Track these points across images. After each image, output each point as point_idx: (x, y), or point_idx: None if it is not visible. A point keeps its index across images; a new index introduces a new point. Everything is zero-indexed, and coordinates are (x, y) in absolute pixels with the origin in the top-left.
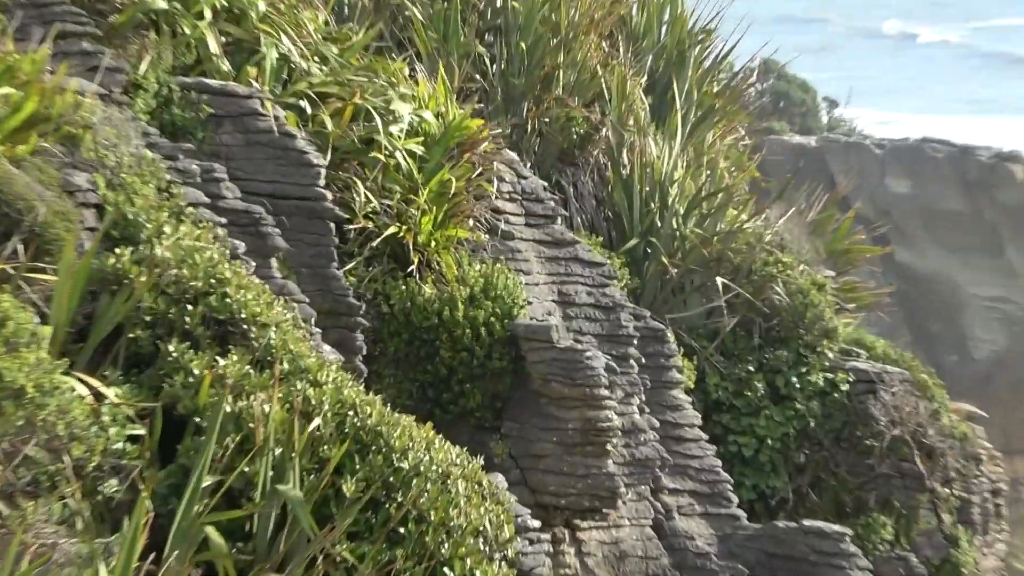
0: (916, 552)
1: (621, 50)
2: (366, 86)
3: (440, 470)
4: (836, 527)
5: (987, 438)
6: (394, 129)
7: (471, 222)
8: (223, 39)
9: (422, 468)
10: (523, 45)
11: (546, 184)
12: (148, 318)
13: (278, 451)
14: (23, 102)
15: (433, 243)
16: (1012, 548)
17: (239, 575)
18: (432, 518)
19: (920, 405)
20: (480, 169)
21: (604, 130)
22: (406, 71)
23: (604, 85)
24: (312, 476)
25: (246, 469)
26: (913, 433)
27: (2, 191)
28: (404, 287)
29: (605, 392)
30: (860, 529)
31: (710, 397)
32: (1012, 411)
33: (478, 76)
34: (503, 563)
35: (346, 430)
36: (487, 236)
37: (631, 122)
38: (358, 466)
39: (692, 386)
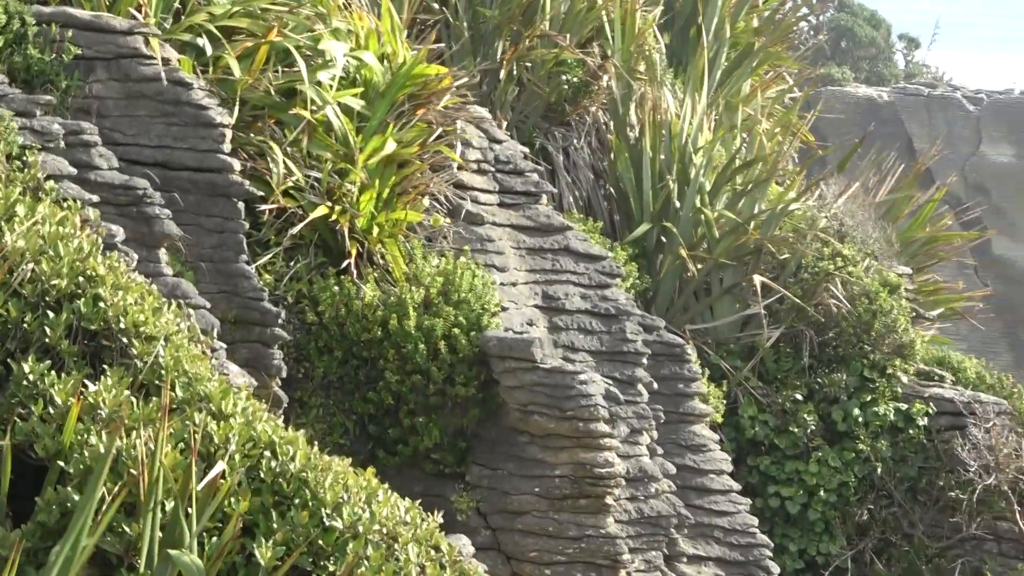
0: None
1: None
2: (286, 19)
3: (385, 531)
4: None
5: None
6: (323, 76)
7: (427, 201)
8: None
9: (361, 528)
10: None
11: (527, 151)
12: None
13: (169, 505)
14: None
15: (376, 229)
16: None
17: None
18: None
19: (1023, 446)
20: (439, 130)
21: (605, 78)
22: None
23: (606, 17)
24: (214, 538)
25: (126, 529)
26: (1013, 483)
27: None
28: (337, 288)
29: (604, 427)
30: None
31: (744, 435)
32: None
33: (437, 5)
34: None
35: (260, 478)
36: (448, 220)
37: (641, 68)
38: (276, 525)
39: (721, 420)
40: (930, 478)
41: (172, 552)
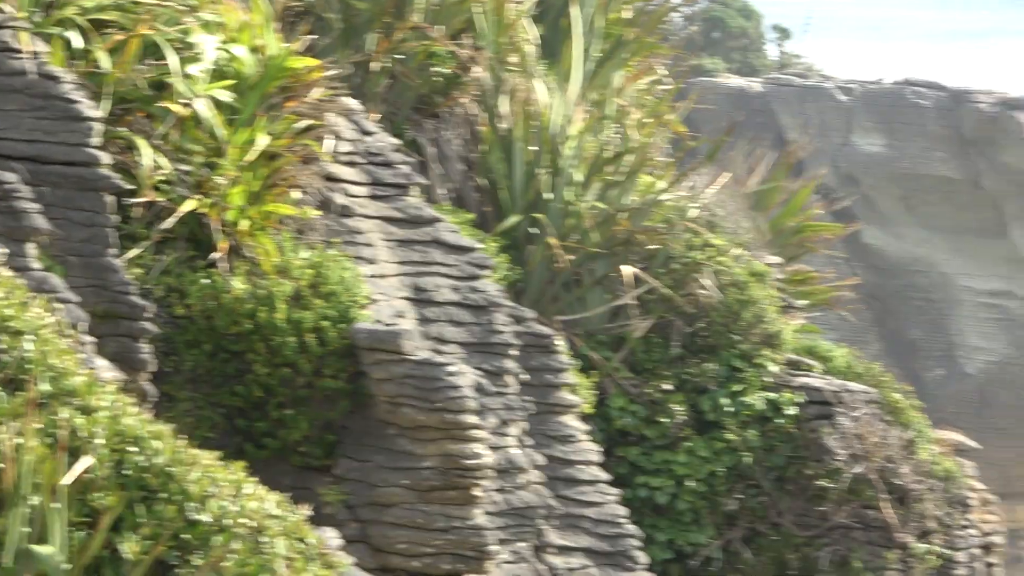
0: None
1: None
2: (156, 12)
3: (252, 524)
4: None
5: (979, 478)
6: (194, 69)
7: (297, 194)
8: None
9: (227, 521)
10: None
11: (398, 143)
12: None
13: (35, 500)
14: None
15: (245, 223)
16: None
17: None
18: None
19: (891, 434)
20: (310, 123)
21: (477, 70)
22: None
23: (477, 9)
24: (80, 533)
25: None
26: (881, 471)
27: None
28: (206, 281)
29: (473, 419)
30: None
31: (613, 425)
32: (1015, 442)
33: None
34: None
35: (126, 472)
36: (318, 212)
37: (513, 59)
38: (142, 519)
39: (590, 410)
40: (799, 467)
41: (35, 547)
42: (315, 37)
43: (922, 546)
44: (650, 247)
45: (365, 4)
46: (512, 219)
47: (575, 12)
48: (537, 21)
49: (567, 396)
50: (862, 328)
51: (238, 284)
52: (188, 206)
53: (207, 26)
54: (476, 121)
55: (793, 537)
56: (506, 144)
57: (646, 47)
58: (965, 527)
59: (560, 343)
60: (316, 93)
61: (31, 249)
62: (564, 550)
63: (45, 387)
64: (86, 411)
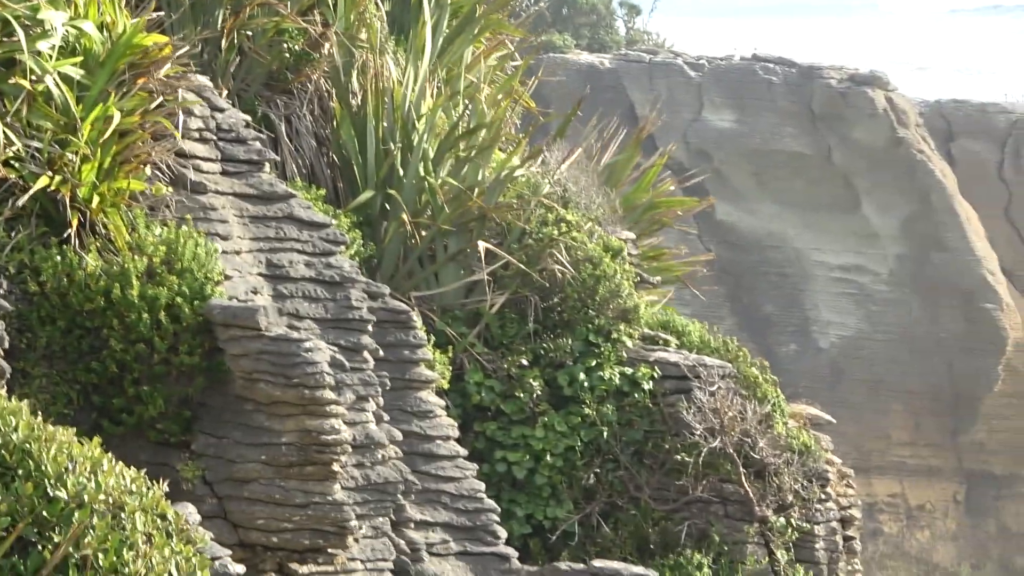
0: None
1: None
2: None
3: (110, 500)
4: (637, 569)
5: (836, 451)
6: (43, 46)
7: (149, 170)
8: None
9: (86, 498)
10: None
11: (250, 119)
12: None
13: None
14: None
15: (98, 199)
16: None
17: None
18: (101, 563)
19: (748, 408)
20: (160, 99)
21: (327, 46)
22: None
23: None
24: None
25: None
26: (738, 445)
27: None
28: (59, 258)
29: (330, 395)
30: (668, 572)
31: (471, 401)
32: (868, 416)
33: None
34: None
35: None
36: (170, 189)
37: (363, 35)
38: (0, 496)
39: (447, 386)
40: (656, 441)
41: None
42: (163, 14)
43: (780, 520)
44: (504, 223)
45: None
46: (365, 195)
47: None
48: None
49: (424, 371)
50: (716, 303)
51: (91, 260)
52: (40, 183)
53: (55, 3)
54: (328, 97)
55: (652, 511)
56: (358, 121)
57: (495, 23)
58: (823, 500)
59: (416, 319)
60: (165, 70)
61: None
62: (423, 525)
63: None
64: None
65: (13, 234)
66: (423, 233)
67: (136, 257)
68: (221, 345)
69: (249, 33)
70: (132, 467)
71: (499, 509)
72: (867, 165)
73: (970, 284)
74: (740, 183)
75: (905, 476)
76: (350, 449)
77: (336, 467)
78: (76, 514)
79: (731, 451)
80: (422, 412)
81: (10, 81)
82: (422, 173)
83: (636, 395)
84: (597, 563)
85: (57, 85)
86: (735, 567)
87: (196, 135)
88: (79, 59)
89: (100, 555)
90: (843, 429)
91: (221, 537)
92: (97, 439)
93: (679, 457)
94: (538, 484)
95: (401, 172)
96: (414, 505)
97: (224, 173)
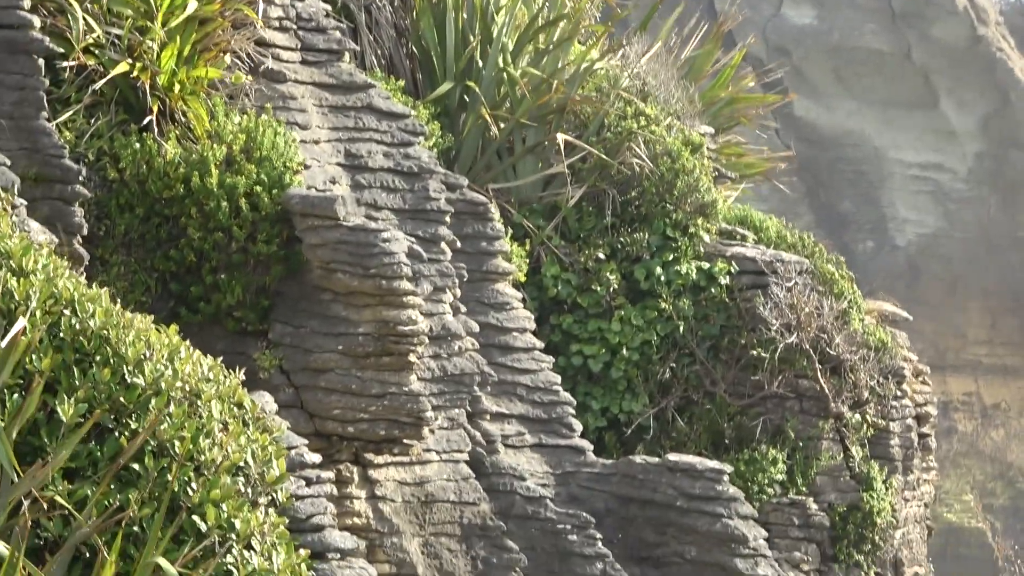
0: (816, 496)
1: None
2: None
3: (187, 388)
4: (712, 463)
5: (912, 349)
6: None
7: (228, 58)
8: None
9: (163, 385)
10: None
11: (329, 9)
12: None
13: None
14: None
15: (177, 86)
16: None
17: None
18: (176, 451)
19: (824, 304)
20: None
21: None
22: None
23: None
24: (16, 395)
25: None
26: (814, 341)
27: None
28: (138, 145)
29: (407, 285)
30: (743, 466)
31: (547, 294)
32: (945, 314)
33: None
34: (270, 509)
35: (61, 335)
36: (249, 78)
37: None
38: (77, 382)
39: (524, 279)
40: (732, 336)
41: None
42: None
43: (856, 417)
44: (583, 116)
45: None
46: (444, 86)
47: None
48: None
49: (501, 263)
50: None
51: (170, 148)
52: (119, 69)
53: None
54: None
55: (727, 406)
56: (438, 12)
57: None
58: (898, 397)
59: (494, 211)
60: None
61: None
62: (499, 417)
63: None
64: (19, 274)
65: (93, 121)
66: (501, 125)
67: (215, 145)
68: (299, 234)
69: None
70: (209, 356)
71: (575, 402)
72: (947, 63)
73: None
74: (819, 80)
75: (980, 375)
76: (427, 340)
77: (412, 358)
78: (153, 401)
79: (807, 347)
80: (499, 304)
81: None
82: (501, 65)
83: (713, 290)
84: (672, 457)
85: None
86: (810, 462)
87: (276, 24)
88: None
89: (176, 442)
90: (919, 327)
91: (297, 427)
92: (174, 327)
93: (755, 352)
94: (614, 378)
95: (480, 64)
96: (490, 397)
97: (303, 62)
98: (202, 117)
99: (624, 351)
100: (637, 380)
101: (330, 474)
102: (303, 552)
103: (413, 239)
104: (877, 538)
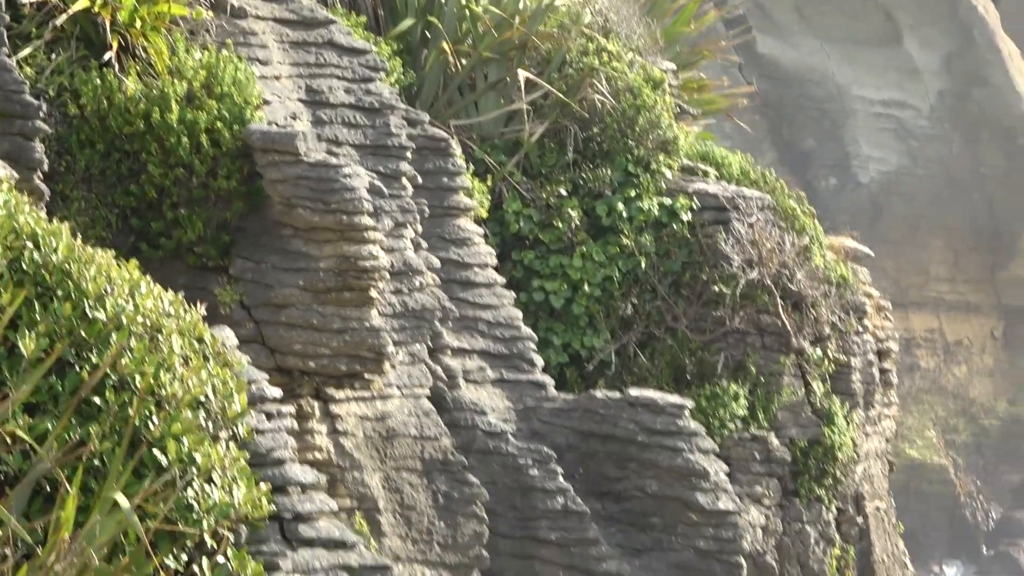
0: (777, 431)
1: None
2: None
3: (148, 322)
4: (673, 398)
5: (874, 285)
6: None
7: None
8: None
9: (124, 320)
10: None
11: None
12: None
13: None
14: None
15: (138, 22)
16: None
17: None
18: (137, 385)
19: (786, 240)
20: None
21: None
22: None
23: None
24: None
25: None
26: (776, 277)
27: None
28: (99, 81)
29: (368, 221)
30: (704, 401)
31: (509, 229)
32: (906, 251)
33: None
34: (231, 444)
35: (23, 269)
36: (210, 13)
37: None
38: (39, 317)
39: (485, 215)
40: (694, 272)
41: None
42: None
43: (817, 352)
44: (544, 52)
45: None
46: (406, 22)
47: None
48: None
49: (462, 199)
50: (757, 137)
51: (131, 84)
52: (80, 5)
53: None
54: None
55: (689, 342)
56: None
57: None
58: (860, 333)
59: (455, 146)
60: None
61: None
62: (460, 352)
63: None
64: None
65: (53, 57)
66: (463, 61)
67: (176, 81)
68: (260, 170)
69: None
70: (170, 291)
71: (536, 337)
72: (910, 0)
73: (1011, 120)
74: (781, 17)
75: (943, 311)
76: (388, 275)
77: (373, 293)
78: (114, 335)
79: (769, 282)
80: (460, 240)
81: None
82: (463, 1)
83: (674, 226)
84: (633, 392)
85: None
86: (771, 398)
87: None
88: None
89: (137, 376)
90: (881, 264)
91: (258, 361)
92: (135, 262)
93: (717, 288)
94: (575, 313)
95: (442, 0)
96: (451, 332)
97: None
98: (163, 53)
99: (586, 287)
100: (599, 316)
101: (291, 409)
102: (264, 486)
103: (374, 175)
104: (838, 473)
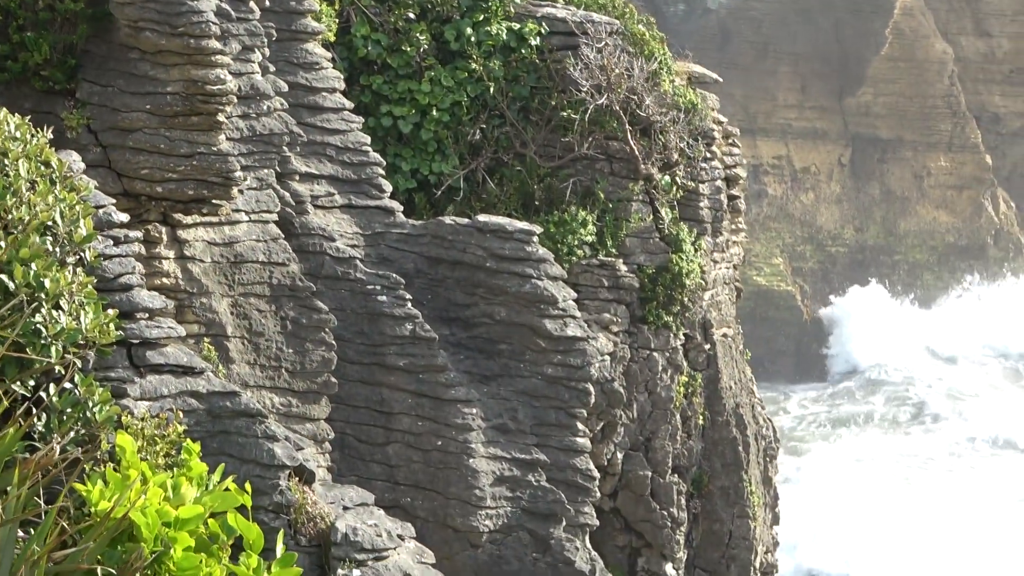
0: (625, 257)
1: None
2: None
3: None
4: (521, 224)
5: (722, 112)
6: None
7: None
8: None
9: None
10: None
11: None
12: None
13: None
14: None
15: None
16: (751, 255)
17: None
18: None
19: (635, 66)
20: None
21: None
22: None
23: None
24: None
25: None
26: (624, 103)
27: None
28: None
29: (216, 44)
30: (553, 227)
31: (357, 54)
32: (755, 78)
33: None
34: (78, 269)
35: None
36: None
37: None
38: None
39: (333, 39)
40: (543, 98)
41: None
42: None
43: (666, 178)
44: None
45: None
46: None
47: None
48: None
49: (310, 23)
50: None
51: None
52: None
53: None
54: None
55: (537, 168)
56: None
57: None
58: (708, 160)
59: None
60: None
61: None
62: (308, 177)
63: None
64: None
65: None
66: None
67: None
68: None
69: None
70: (16, 114)
71: (384, 163)
72: None
73: None
74: None
75: (791, 139)
76: (235, 99)
77: (221, 117)
78: None
79: (617, 108)
80: (308, 64)
81: None
82: None
83: (523, 51)
84: (482, 218)
85: None
86: (619, 224)
87: None
88: None
89: None
90: (730, 90)
91: (105, 186)
92: None
93: (565, 114)
94: (424, 139)
95: None
96: (299, 157)
97: None
98: None
99: (434, 112)
100: (447, 141)
101: (138, 234)
102: (111, 312)
103: None
104: (686, 299)
